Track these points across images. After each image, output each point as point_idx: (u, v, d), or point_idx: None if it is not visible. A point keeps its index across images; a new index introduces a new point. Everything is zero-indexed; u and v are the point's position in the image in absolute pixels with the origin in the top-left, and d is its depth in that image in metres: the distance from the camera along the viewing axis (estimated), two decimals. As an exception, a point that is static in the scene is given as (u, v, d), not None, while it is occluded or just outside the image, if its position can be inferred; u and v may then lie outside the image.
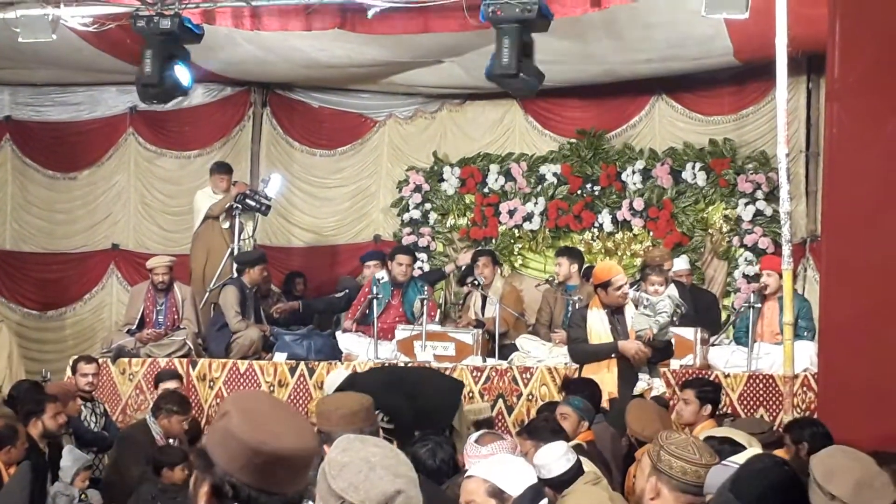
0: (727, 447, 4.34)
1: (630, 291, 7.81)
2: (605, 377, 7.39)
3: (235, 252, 10.64)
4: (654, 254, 9.92)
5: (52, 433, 7.06)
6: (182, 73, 8.94)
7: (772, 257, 9.63)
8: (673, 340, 7.86)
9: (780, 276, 8.43)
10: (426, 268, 11.97)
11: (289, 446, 2.23)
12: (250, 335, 9.85)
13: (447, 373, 8.78)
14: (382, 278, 9.81)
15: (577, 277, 9.94)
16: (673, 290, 8.87)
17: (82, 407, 8.46)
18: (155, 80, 8.79)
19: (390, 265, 10.14)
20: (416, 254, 12.00)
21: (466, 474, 4.22)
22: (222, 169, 11.25)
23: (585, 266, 10.22)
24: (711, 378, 8.09)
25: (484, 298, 9.88)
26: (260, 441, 2.21)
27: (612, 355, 7.49)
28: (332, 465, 2.50)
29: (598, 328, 7.64)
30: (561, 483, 4.72)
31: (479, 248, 11.33)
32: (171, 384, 8.62)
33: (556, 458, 4.81)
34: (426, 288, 10.18)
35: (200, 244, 10.87)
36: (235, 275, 10.37)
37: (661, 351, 7.67)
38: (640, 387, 7.48)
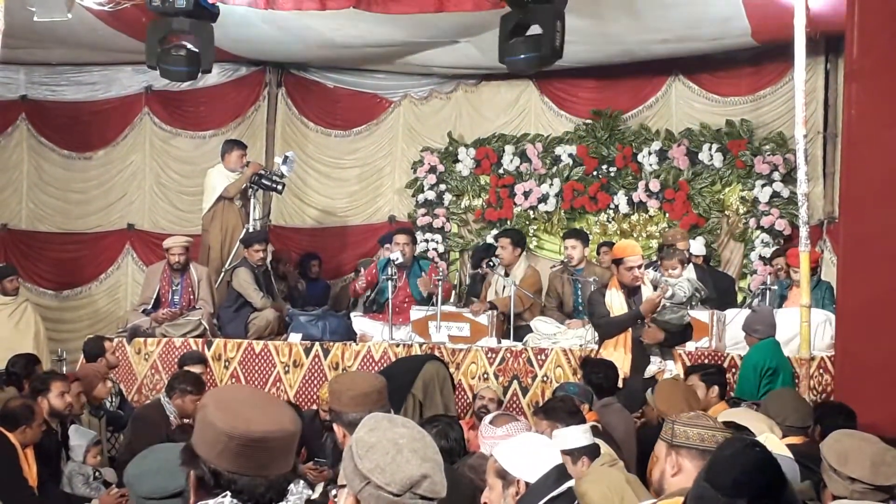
0: (732, 431, 4.33)
1: (649, 272, 7.80)
2: (617, 359, 7.38)
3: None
4: (670, 234, 9.89)
5: (59, 412, 6.93)
6: None
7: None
8: (691, 323, 7.82)
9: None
10: (441, 249, 11.97)
11: (260, 429, 2.32)
12: (266, 316, 9.88)
13: (462, 354, 8.82)
14: (397, 259, 9.79)
15: (584, 259, 9.93)
16: (691, 272, 8.84)
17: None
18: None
19: (391, 247, 10.13)
20: (431, 235, 12.01)
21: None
22: (239, 144, 11.22)
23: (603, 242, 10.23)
24: (723, 361, 8.08)
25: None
26: (232, 426, 2.31)
27: (638, 321, 7.43)
28: (360, 445, 2.48)
29: (616, 307, 7.60)
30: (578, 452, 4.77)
31: (505, 229, 11.22)
32: (195, 368, 8.57)
33: (576, 435, 4.85)
34: (430, 267, 10.23)
35: (217, 223, 10.84)
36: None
37: (677, 334, 7.63)
38: (651, 369, 7.46)
